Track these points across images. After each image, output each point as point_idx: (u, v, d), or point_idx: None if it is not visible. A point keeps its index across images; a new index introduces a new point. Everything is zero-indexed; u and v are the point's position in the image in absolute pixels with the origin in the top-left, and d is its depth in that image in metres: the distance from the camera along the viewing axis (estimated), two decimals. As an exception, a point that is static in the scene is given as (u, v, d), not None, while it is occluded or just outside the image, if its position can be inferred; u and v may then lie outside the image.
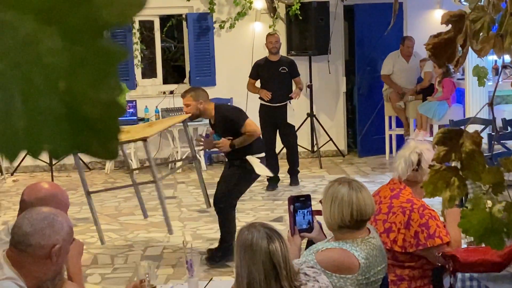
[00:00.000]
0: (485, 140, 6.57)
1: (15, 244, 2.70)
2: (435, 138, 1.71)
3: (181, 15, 10.92)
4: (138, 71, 10.87)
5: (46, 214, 2.74)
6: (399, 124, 10.65)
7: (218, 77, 10.76)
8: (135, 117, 10.14)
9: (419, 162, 3.77)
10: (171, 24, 11.27)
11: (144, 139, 5.76)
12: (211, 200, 6.33)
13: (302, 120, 10.22)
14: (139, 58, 10.79)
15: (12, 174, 10.25)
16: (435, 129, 9.52)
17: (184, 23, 10.89)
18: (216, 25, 10.68)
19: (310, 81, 10.43)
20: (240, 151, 6.07)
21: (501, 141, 6.87)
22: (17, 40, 0.65)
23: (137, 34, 10.69)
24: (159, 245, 6.81)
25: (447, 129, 1.72)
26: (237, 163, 6.13)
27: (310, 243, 3.49)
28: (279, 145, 9.21)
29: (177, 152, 10.27)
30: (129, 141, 7.05)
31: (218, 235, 6.32)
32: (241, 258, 2.80)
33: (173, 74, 13.07)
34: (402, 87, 10.37)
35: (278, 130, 8.97)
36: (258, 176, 6.30)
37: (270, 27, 10.48)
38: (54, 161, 9.55)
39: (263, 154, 6.26)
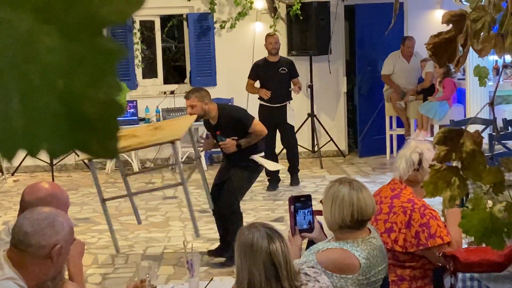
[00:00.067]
0: (485, 140, 6.57)
1: (15, 244, 2.70)
2: (436, 138, 1.70)
3: (181, 15, 10.92)
4: (138, 71, 10.88)
5: (47, 214, 2.74)
6: (399, 124, 10.64)
7: (219, 77, 10.76)
8: (136, 117, 10.12)
9: (420, 162, 3.76)
10: (172, 24, 11.26)
11: (174, 141, 5.38)
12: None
13: (302, 120, 10.21)
14: (140, 58, 10.79)
15: (12, 174, 10.25)
16: (436, 129, 9.51)
17: (185, 23, 10.89)
18: (216, 25, 10.67)
19: (311, 81, 10.42)
20: (245, 151, 6.04)
21: (502, 141, 6.87)
22: (15, 38, 0.65)
23: (138, 34, 10.70)
24: (159, 245, 6.81)
25: (447, 129, 1.71)
26: (242, 164, 6.08)
27: (310, 243, 3.48)
28: (279, 145, 9.21)
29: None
30: (159, 144, 6.73)
31: (218, 235, 6.33)
32: (241, 258, 2.80)
33: (174, 74, 13.06)
34: (403, 87, 10.37)
35: (277, 130, 8.97)
36: (258, 176, 6.31)
37: (270, 27, 10.47)
38: (54, 161, 9.54)
39: (262, 154, 6.25)
